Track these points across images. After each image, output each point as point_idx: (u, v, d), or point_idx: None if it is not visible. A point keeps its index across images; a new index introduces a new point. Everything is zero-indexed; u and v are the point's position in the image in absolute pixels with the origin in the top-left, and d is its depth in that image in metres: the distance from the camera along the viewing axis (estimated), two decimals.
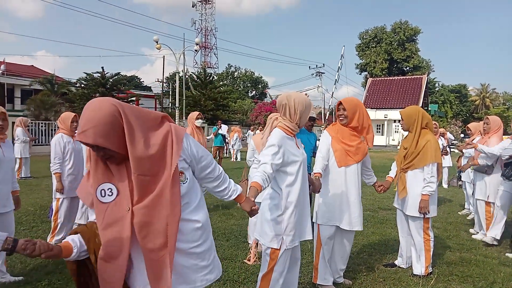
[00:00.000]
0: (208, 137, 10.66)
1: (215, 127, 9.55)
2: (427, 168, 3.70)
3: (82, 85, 27.88)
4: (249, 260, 4.14)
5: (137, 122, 1.57)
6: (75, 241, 1.59)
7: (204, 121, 6.48)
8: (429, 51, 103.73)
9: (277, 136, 2.67)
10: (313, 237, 3.14)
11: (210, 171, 1.89)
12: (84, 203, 1.67)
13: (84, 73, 27.52)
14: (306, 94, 4.58)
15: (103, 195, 1.57)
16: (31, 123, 18.10)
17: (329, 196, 3.40)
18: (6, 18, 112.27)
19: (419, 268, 3.86)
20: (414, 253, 3.93)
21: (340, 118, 3.47)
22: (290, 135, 2.74)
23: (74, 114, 3.86)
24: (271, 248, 2.68)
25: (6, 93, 26.34)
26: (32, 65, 37.07)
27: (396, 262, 4.17)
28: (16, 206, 3.57)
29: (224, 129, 15.06)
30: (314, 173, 3.27)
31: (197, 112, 6.37)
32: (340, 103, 3.52)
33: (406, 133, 4.04)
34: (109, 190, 1.57)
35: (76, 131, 3.59)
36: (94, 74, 27.28)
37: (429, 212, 3.74)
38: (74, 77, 37.77)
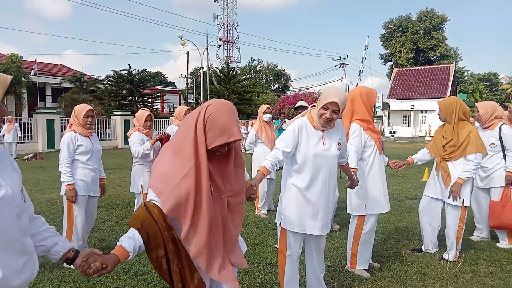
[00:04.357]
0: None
1: (277, 120, 9.62)
2: (471, 157, 3.79)
3: (110, 82, 28.69)
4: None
5: None
6: (130, 243, 1.64)
7: (271, 116, 6.24)
8: (457, 39, 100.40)
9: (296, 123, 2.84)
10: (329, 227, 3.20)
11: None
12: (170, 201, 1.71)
13: (112, 70, 28.35)
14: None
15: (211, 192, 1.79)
16: (62, 119, 18.85)
17: (378, 185, 3.52)
18: (36, 18, 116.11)
19: (451, 254, 3.95)
20: (447, 240, 4.02)
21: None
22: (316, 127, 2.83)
23: (89, 108, 3.82)
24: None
25: (38, 91, 27.39)
26: (62, 64, 38.30)
27: (422, 247, 4.27)
28: (102, 192, 4.08)
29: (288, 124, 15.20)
30: (351, 169, 3.24)
31: (266, 106, 6.08)
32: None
33: (433, 124, 4.14)
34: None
35: (89, 127, 3.76)
36: (121, 71, 28.01)
37: (460, 198, 3.84)
38: (101, 74, 38.81)
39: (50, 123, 17.95)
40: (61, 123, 18.80)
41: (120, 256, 1.60)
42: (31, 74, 25.26)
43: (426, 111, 35.97)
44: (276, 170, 2.94)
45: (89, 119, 3.80)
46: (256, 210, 5.90)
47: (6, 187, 1.29)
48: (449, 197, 3.87)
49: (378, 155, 3.52)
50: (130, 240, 1.64)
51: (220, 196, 1.82)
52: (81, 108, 3.80)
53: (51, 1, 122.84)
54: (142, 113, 4.62)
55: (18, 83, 22.70)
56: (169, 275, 1.75)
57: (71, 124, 3.82)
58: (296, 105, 6.77)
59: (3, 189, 1.28)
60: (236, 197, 1.89)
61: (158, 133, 5.11)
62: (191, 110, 5.91)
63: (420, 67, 41.28)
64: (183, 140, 1.73)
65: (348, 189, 3.45)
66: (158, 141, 4.62)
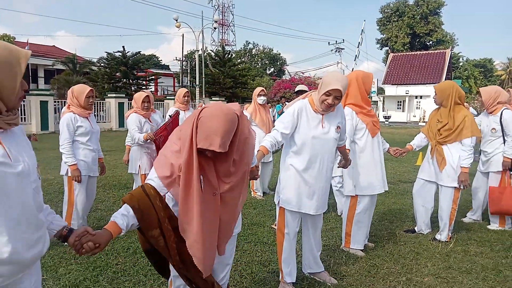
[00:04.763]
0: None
1: (279, 105, 9.45)
2: (467, 141, 3.87)
3: (104, 64, 28.35)
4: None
5: (241, 124, 1.84)
6: (124, 220, 1.72)
7: (265, 98, 6.16)
8: (453, 24, 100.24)
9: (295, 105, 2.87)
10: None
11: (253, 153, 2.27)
12: (167, 184, 1.84)
13: (106, 52, 27.98)
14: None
15: (202, 184, 1.81)
16: (56, 101, 18.69)
17: (366, 167, 3.58)
18: None
19: (443, 235, 4.06)
20: (440, 221, 4.12)
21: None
22: (316, 111, 2.87)
23: (90, 88, 3.82)
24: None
25: (30, 73, 27.06)
26: (54, 46, 37.73)
27: (415, 228, 4.37)
28: (101, 171, 4.14)
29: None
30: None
31: (260, 88, 6.04)
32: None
33: (428, 109, 4.20)
34: (201, 180, 1.82)
35: (90, 107, 3.79)
36: (115, 53, 27.67)
37: (469, 185, 3.92)
38: (95, 56, 38.29)
39: (43, 104, 17.79)
40: (55, 105, 18.65)
41: (113, 232, 1.68)
42: None
43: (421, 97, 36.07)
44: (273, 152, 3.00)
45: (90, 99, 3.82)
46: (252, 192, 5.97)
47: (24, 162, 1.32)
48: (459, 187, 3.96)
49: (371, 138, 3.58)
50: (124, 217, 1.72)
51: (213, 193, 1.86)
52: (82, 89, 3.80)
53: None
54: (140, 95, 4.61)
55: None
56: (167, 250, 1.85)
57: (69, 105, 3.82)
58: (296, 89, 6.76)
59: (21, 164, 1.31)
60: (231, 192, 1.92)
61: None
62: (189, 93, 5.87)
63: (416, 52, 41.17)
64: (185, 131, 1.80)
65: (343, 171, 3.57)
66: (156, 123, 4.64)
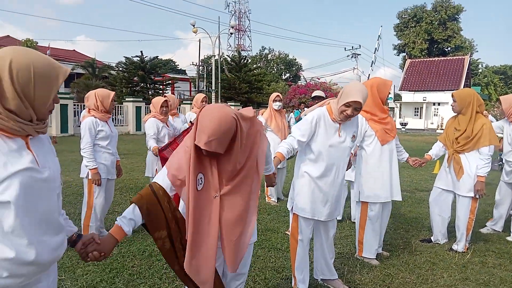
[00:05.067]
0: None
1: (297, 110, 9.45)
2: (485, 150, 3.82)
3: (122, 69, 28.85)
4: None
5: (244, 128, 1.80)
6: (129, 223, 1.76)
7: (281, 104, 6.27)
8: (472, 30, 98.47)
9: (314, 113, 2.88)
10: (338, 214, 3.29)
11: (270, 160, 2.27)
12: (174, 181, 1.86)
13: (124, 57, 28.54)
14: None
15: (198, 183, 1.79)
16: (75, 105, 19.09)
17: (375, 174, 3.58)
18: (49, 3, 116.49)
19: (460, 245, 4.00)
20: (457, 231, 4.06)
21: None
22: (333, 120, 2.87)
23: (114, 92, 4.02)
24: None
25: None
26: (74, 50, 38.61)
27: (432, 238, 4.31)
28: (118, 174, 4.21)
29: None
30: None
31: (276, 94, 6.00)
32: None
33: (446, 116, 4.14)
34: (200, 179, 1.81)
35: (111, 111, 3.91)
36: (133, 58, 28.12)
37: (485, 194, 3.87)
38: (113, 61, 38.98)
39: (63, 108, 18.19)
40: (74, 108, 19.05)
41: (119, 238, 1.75)
42: None
43: (439, 104, 35.52)
44: (287, 158, 3.02)
45: (114, 103, 3.95)
46: (266, 198, 5.98)
47: (50, 169, 1.38)
48: (475, 196, 3.90)
49: (380, 146, 3.57)
50: (131, 222, 1.77)
51: (213, 195, 1.83)
52: (107, 93, 3.91)
53: None
54: (159, 99, 4.70)
55: None
56: (174, 253, 1.85)
57: (89, 109, 3.91)
58: (312, 95, 6.77)
59: (48, 170, 1.36)
60: (233, 195, 1.86)
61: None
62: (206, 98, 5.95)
63: (433, 59, 40.62)
64: (192, 131, 1.82)
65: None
66: (173, 128, 4.71)
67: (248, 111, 1.93)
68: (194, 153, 1.76)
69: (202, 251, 1.82)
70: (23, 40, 23.93)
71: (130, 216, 1.76)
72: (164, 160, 4.49)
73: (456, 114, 4.05)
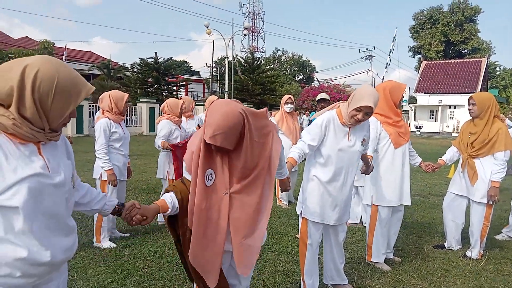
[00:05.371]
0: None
1: (313, 112, 9.49)
2: (500, 155, 3.75)
3: (136, 70, 29.16)
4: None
5: (253, 125, 1.81)
6: (171, 199, 1.88)
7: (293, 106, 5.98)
8: (490, 32, 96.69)
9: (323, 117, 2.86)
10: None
11: (283, 164, 2.27)
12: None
13: (139, 58, 28.81)
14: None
15: (207, 179, 1.83)
16: (91, 105, 19.37)
17: (386, 177, 3.54)
18: (66, 5, 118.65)
19: (474, 252, 3.93)
20: (471, 238, 3.99)
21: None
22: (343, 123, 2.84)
23: (128, 94, 4.08)
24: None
25: None
26: (90, 51, 39.13)
27: (445, 244, 4.24)
28: (128, 175, 4.25)
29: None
30: (368, 156, 3.34)
31: (288, 96, 5.94)
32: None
33: (462, 120, 4.07)
34: (210, 175, 1.84)
35: (126, 111, 3.97)
36: (147, 59, 28.40)
37: (499, 200, 3.80)
38: (128, 62, 39.43)
39: (79, 108, 18.35)
40: (89, 109, 19.34)
41: (161, 208, 1.84)
42: (62, 60, 25.93)
43: (455, 106, 34.95)
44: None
45: (128, 105, 4.02)
46: (277, 201, 5.97)
47: (61, 173, 1.40)
48: (488, 202, 3.83)
49: (393, 149, 3.53)
50: (173, 198, 1.88)
51: (223, 192, 1.85)
52: (121, 95, 3.97)
53: None
54: (177, 102, 4.73)
55: None
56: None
57: (103, 111, 3.96)
58: (317, 98, 6.69)
59: (59, 175, 1.39)
60: (244, 195, 1.87)
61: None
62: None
63: (450, 61, 39.98)
64: (203, 127, 1.86)
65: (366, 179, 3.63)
66: (185, 130, 4.75)
67: (262, 111, 1.96)
68: (203, 148, 1.80)
69: (210, 246, 1.86)
70: (40, 41, 24.34)
71: (170, 195, 1.89)
72: (176, 160, 4.53)
73: (472, 118, 3.98)
